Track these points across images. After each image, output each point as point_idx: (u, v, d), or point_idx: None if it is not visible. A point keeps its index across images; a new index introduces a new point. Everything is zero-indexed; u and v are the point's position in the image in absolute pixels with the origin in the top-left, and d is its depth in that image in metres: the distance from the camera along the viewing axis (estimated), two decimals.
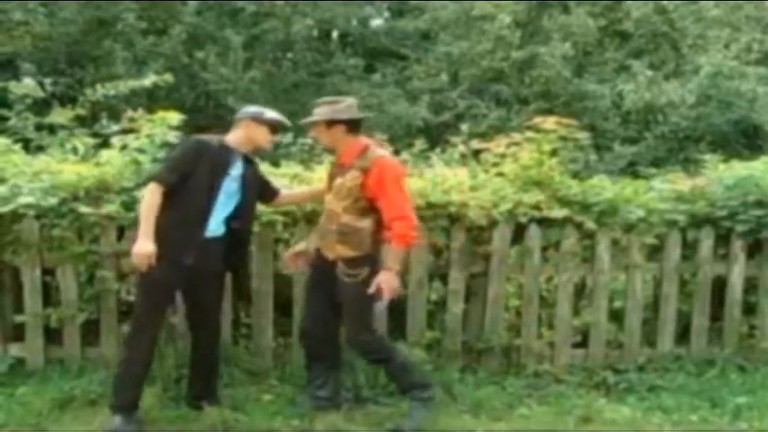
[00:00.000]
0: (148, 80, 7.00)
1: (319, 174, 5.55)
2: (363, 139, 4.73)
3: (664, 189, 6.13)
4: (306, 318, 4.93)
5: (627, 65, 15.14)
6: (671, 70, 14.79)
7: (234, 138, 4.63)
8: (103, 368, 5.07)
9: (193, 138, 4.55)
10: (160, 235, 4.39)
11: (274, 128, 4.70)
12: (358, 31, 20.60)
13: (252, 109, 4.71)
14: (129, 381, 4.55)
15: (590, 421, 4.95)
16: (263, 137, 4.65)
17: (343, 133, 4.65)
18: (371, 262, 4.59)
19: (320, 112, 4.67)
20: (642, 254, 5.78)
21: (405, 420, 4.75)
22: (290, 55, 17.01)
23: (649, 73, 13.95)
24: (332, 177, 4.76)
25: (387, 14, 21.42)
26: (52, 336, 5.32)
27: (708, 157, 6.72)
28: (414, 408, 4.77)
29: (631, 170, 11.35)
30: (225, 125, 4.89)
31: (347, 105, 4.69)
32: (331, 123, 4.64)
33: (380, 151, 4.71)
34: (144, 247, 4.33)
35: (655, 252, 5.86)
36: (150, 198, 4.36)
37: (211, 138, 4.57)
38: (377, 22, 21.41)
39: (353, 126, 4.67)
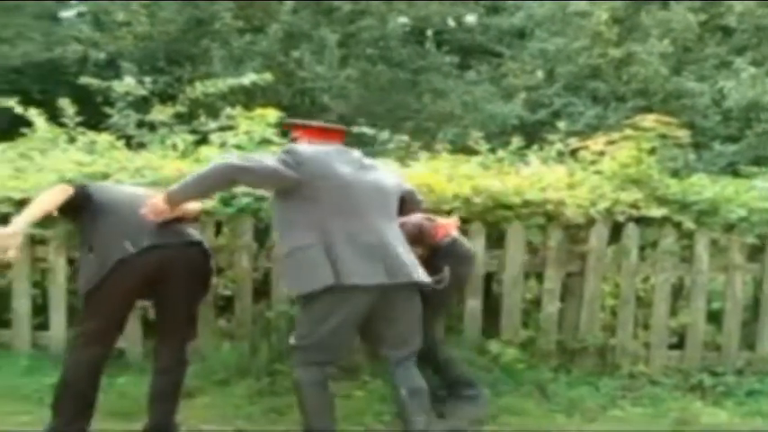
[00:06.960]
0: (248, 78, 7.09)
1: (415, 169, 5.62)
2: None
3: (766, 188, 6.00)
4: None
5: (728, 61, 14.77)
6: None
7: None
8: (199, 360, 5.15)
9: None
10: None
11: None
12: (452, 29, 20.58)
13: None
14: (67, 407, 3.97)
15: (686, 425, 4.89)
16: None
17: None
18: (448, 261, 4.56)
19: None
20: (742, 254, 5.67)
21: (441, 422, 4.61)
22: (385, 53, 17.06)
23: (752, 70, 13.57)
24: None
25: (482, 11, 21.32)
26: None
27: None
28: (456, 406, 4.69)
29: (731, 169, 11.09)
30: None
31: None
32: None
33: None
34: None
35: (756, 252, 5.73)
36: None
37: None
38: (471, 19, 21.34)
39: None
